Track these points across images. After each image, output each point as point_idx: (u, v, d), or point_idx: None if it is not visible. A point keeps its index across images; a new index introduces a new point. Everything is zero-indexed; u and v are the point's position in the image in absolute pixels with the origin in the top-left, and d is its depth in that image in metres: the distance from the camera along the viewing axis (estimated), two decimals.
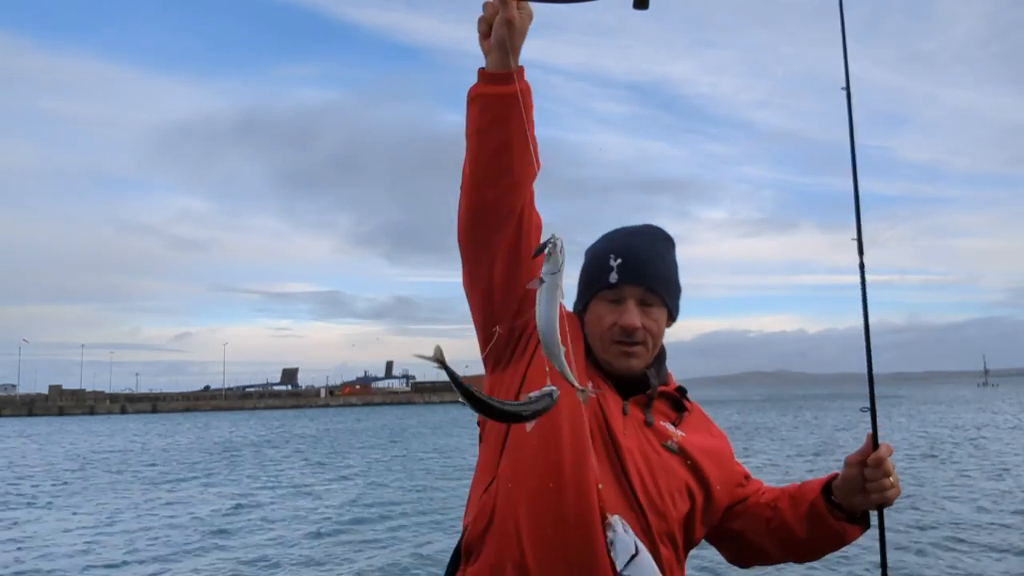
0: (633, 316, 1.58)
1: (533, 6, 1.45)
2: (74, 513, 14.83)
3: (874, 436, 1.54)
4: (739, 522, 1.70)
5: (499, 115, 1.44)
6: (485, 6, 1.42)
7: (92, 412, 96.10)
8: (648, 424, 1.61)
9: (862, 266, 1.64)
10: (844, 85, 1.76)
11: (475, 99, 1.47)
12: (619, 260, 1.61)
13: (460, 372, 1.21)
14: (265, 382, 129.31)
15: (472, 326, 1.65)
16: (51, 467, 25.18)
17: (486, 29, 1.42)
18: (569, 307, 1.73)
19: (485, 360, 1.67)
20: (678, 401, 1.70)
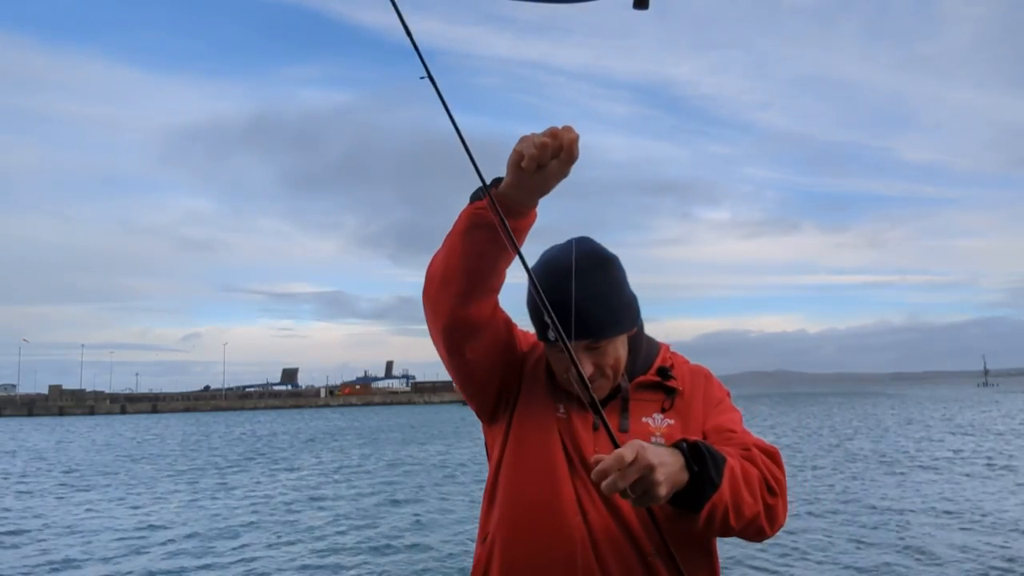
0: (582, 368, 1.45)
1: (535, 6, 1.38)
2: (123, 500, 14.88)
3: (608, 432, 1.33)
4: None
5: (507, 243, 1.38)
6: (541, 146, 1.28)
7: (92, 412, 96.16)
8: (624, 431, 1.53)
9: (593, 404, 1.43)
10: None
11: (490, 226, 1.37)
12: (553, 316, 1.47)
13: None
14: (265, 382, 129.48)
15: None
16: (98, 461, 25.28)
17: (531, 165, 1.29)
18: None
19: (479, 416, 1.71)
20: (662, 385, 1.61)
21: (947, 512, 12.25)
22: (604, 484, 1.22)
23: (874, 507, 12.83)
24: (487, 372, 1.60)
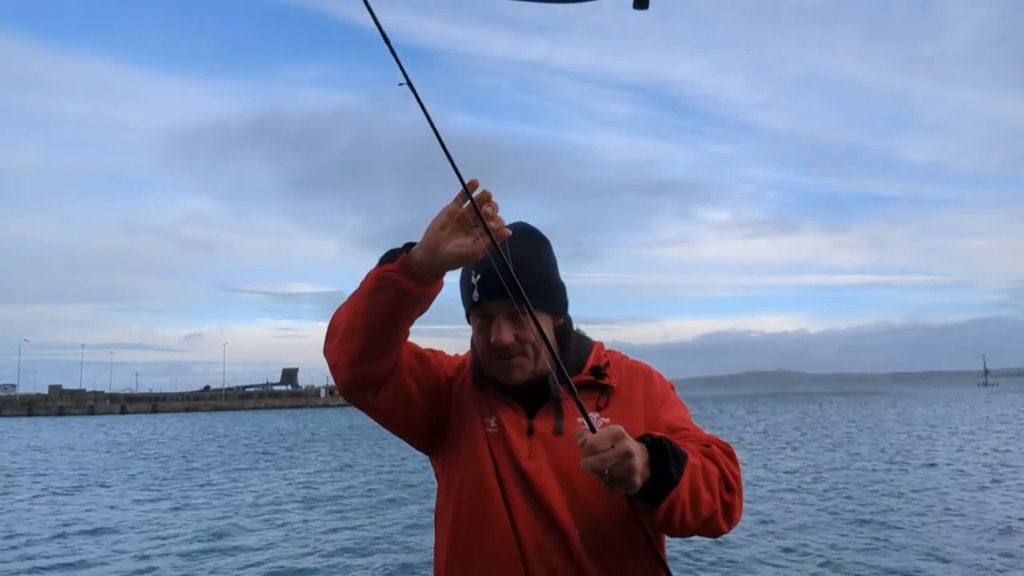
0: (502, 333, 1.51)
1: (535, 6, 1.38)
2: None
3: (585, 417, 1.37)
4: None
5: (415, 308, 1.43)
6: (459, 216, 1.33)
7: (92, 412, 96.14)
8: (558, 433, 1.52)
9: (580, 406, 1.45)
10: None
11: (396, 290, 1.39)
12: (479, 276, 1.52)
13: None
14: (265, 382, 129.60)
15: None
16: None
17: (456, 227, 1.34)
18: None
19: (420, 451, 1.70)
20: (597, 383, 1.59)
21: (948, 510, 12.27)
22: (585, 462, 1.25)
23: (880, 505, 12.86)
24: (402, 414, 1.59)
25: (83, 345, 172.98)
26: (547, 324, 1.56)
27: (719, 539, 9.58)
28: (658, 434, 1.36)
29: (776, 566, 9.01)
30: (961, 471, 17.46)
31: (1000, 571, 8.62)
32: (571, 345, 1.62)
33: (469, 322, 1.62)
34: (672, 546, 9.13)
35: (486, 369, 1.59)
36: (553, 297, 1.58)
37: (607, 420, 1.53)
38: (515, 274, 1.46)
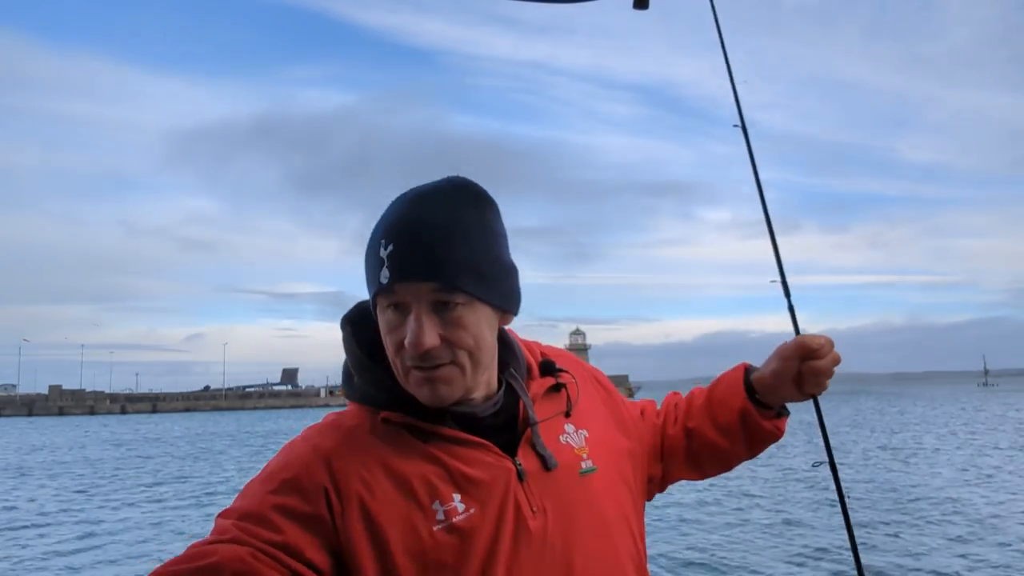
0: (423, 332, 0.98)
1: (536, 6, 1.34)
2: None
3: (793, 322, 1.41)
4: (659, 466, 1.35)
5: None
6: None
7: (92, 412, 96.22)
8: (551, 468, 1.07)
9: (791, 309, 1.50)
10: (738, 122, 1.64)
11: None
12: (390, 247, 0.99)
13: None
14: (265, 382, 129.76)
15: None
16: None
17: None
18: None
19: None
20: (556, 385, 1.18)
21: (954, 510, 12.28)
22: (831, 357, 1.20)
23: (887, 500, 12.88)
24: None
25: (83, 345, 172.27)
26: (489, 323, 1.05)
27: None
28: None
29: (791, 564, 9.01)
30: (963, 468, 17.48)
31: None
32: (514, 346, 1.19)
33: (374, 315, 1.06)
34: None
35: (402, 382, 1.05)
36: (498, 280, 1.04)
37: (587, 432, 1.16)
38: (441, 237, 0.99)
